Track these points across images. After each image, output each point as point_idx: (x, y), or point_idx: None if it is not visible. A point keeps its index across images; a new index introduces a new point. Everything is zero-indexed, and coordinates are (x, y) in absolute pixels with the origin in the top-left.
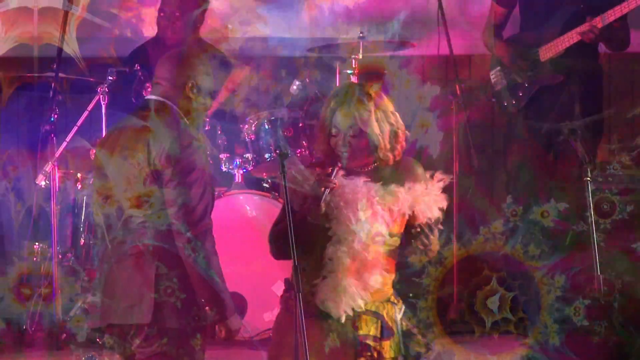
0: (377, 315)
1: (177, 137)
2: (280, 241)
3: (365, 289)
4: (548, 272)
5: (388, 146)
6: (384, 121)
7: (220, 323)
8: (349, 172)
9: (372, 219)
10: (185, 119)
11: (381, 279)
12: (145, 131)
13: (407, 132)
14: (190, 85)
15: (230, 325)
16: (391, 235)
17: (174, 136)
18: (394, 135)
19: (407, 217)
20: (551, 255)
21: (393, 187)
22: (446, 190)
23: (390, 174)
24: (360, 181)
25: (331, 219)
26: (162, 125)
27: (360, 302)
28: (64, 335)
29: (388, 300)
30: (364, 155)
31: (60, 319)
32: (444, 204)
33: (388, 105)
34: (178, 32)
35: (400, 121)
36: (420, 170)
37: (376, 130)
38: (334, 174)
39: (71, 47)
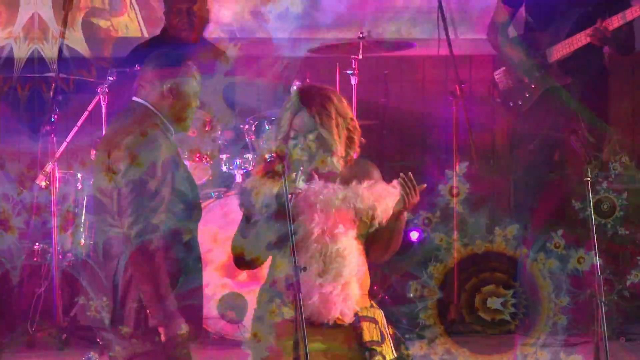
0: (373, 320)
1: (143, 144)
2: (244, 250)
3: (348, 291)
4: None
5: (343, 153)
6: (343, 127)
7: (160, 327)
8: (307, 177)
9: (337, 220)
10: (165, 123)
11: (361, 279)
12: (116, 136)
13: (362, 139)
14: (168, 87)
15: (168, 330)
16: (359, 235)
17: (135, 136)
18: (350, 141)
19: (370, 215)
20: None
21: (354, 184)
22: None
23: (347, 175)
24: (319, 185)
25: (296, 227)
26: (131, 127)
27: (351, 307)
28: (64, 335)
29: (372, 306)
30: (321, 159)
31: (60, 319)
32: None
33: (347, 110)
34: (187, 30)
35: (358, 127)
36: (376, 172)
37: (335, 136)
38: (297, 179)
39: (50, 52)
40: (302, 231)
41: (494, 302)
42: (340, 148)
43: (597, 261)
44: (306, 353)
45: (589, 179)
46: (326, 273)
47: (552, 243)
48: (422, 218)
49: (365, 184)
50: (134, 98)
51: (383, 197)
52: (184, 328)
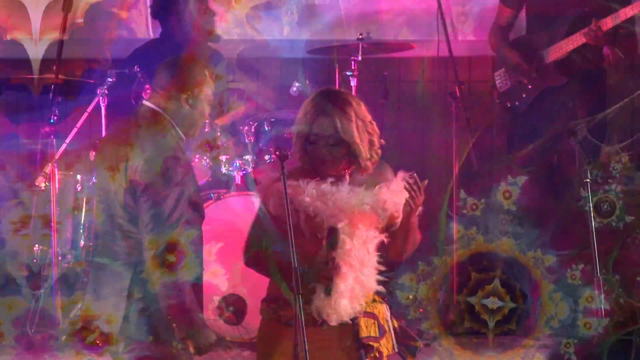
0: (373, 316)
1: (158, 150)
2: (262, 265)
3: (363, 293)
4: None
5: (368, 155)
6: (363, 130)
7: (186, 340)
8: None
9: (362, 223)
10: (178, 131)
11: (375, 280)
12: (129, 140)
13: (382, 140)
14: (185, 96)
15: (198, 340)
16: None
17: (156, 149)
18: (371, 144)
19: (388, 216)
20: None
21: (376, 188)
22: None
23: (366, 178)
24: (344, 186)
25: (320, 228)
26: (147, 136)
27: (359, 307)
28: (64, 336)
29: (374, 301)
30: (342, 163)
31: (60, 321)
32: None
33: (366, 113)
34: (188, 34)
35: (377, 129)
36: (390, 171)
37: (357, 139)
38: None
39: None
40: (334, 240)
41: (494, 302)
42: (364, 151)
43: (597, 264)
44: (306, 354)
45: (588, 180)
46: (345, 276)
47: (569, 274)
48: (470, 204)
49: (382, 186)
50: (146, 102)
51: (400, 196)
52: (212, 337)
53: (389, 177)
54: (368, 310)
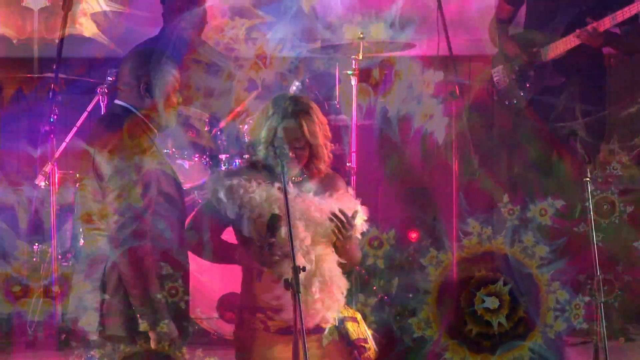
0: (355, 320)
1: (126, 150)
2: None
3: (330, 297)
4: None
5: (326, 157)
6: (323, 134)
7: (150, 332)
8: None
9: (318, 230)
10: (149, 124)
11: (343, 284)
12: (99, 142)
13: (332, 144)
14: (142, 86)
15: (165, 332)
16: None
17: (122, 149)
18: (326, 147)
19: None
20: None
21: (326, 195)
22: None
23: (317, 185)
24: (294, 193)
25: (263, 229)
26: (115, 136)
27: (334, 313)
28: (64, 335)
29: (349, 308)
30: (302, 165)
31: (59, 320)
32: (364, 214)
33: (323, 117)
34: (187, 31)
35: (330, 134)
36: (341, 182)
37: (320, 141)
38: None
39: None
40: (274, 224)
41: (494, 302)
42: (325, 154)
43: (597, 264)
44: (305, 355)
45: (588, 179)
46: (310, 282)
47: (573, 304)
48: (508, 208)
49: (333, 195)
50: (116, 101)
51: (347, 206)
52: (173, 331)
53: (339, 186)
54: (349, 315)
